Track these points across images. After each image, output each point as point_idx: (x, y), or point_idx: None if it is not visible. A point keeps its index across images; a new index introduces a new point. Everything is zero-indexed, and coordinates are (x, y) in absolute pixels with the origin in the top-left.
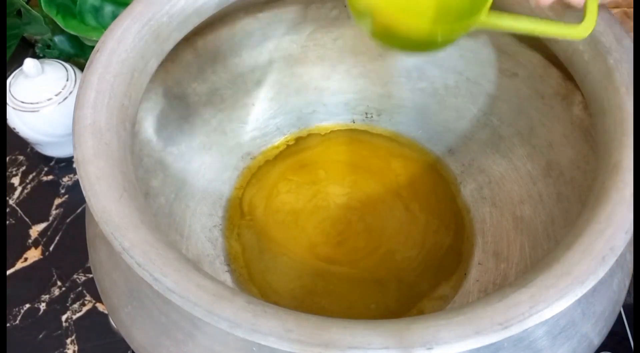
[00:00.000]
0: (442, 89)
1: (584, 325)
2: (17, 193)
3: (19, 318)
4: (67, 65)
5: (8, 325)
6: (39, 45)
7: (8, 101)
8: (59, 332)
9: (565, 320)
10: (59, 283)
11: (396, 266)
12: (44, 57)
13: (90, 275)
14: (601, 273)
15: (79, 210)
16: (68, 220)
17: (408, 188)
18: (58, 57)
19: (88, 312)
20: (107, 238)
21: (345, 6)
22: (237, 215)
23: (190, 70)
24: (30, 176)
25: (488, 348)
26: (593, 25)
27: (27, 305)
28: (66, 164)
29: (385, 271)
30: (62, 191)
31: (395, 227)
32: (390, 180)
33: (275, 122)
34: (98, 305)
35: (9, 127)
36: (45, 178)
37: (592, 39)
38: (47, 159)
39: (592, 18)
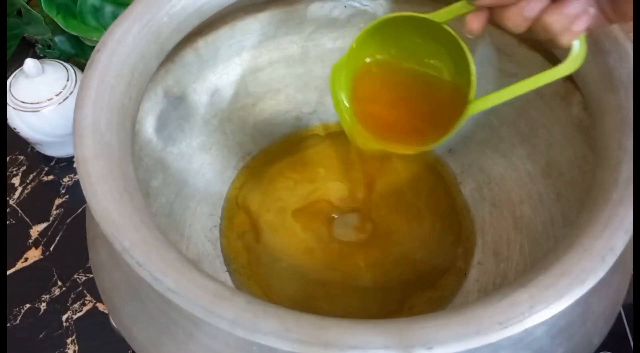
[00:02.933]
0: None
1: (583, 325)
2: (17, 193)
3: (19, 318)
4: (67, 65)
5: (8, 325)
6: (39, 45)
7: (8, 101)
8: (59, 331)
9: (565, 319)
10: (59, 283)
11: (396, 266)
12: (44, 57)
13: (91, 275)
14: (601, 273)
15: (79, 210)
16: (68, 220)
17: (408, 188)
18: (58, 58)
19: (88, 311)
20: (107, 238)
21: (345, 6)
22: (238, 215)
23: (190, 70)
24: (31, 176)
25: (488, 348)
26: (583, 57)
27: (28, 305)
28: (66, 164)
29: (386, 271)
30: (63, 191)
31: (395, 227)
32: (390, 180)
33: (275, 123)
34: (98, 304)
35: (10, 128)
36: (45, 178)
37: (592, 39)
38: (47, 159)
39: (582, 50)
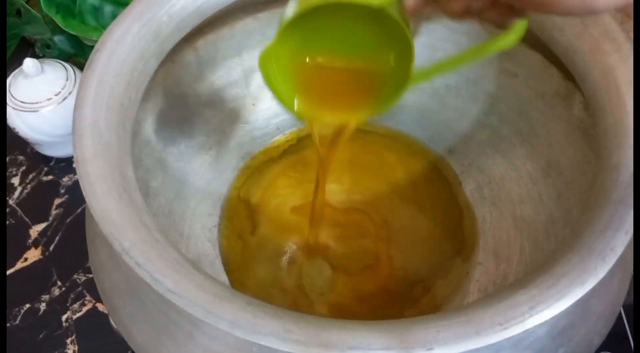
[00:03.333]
0: (443, 89)
1: (584, 325)
2: (17, 193)
3: (19, 318)
4: (66, 65)
5: (8, 325)
6: (39, 45)
7: (8, 101)
8: (59, 332)
9: (566, 320)
10: (59, 283)
11: (396, 267)
12: (43, 57)
13: (90, 275)
14: (601, 273)
15: (79, 210)
16: (68, 220)
17: (408, 188)
18: (58, 57)
19: (88, 312)
20: (107, 238)
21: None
22: (237, 215)
23: (190, 70)
24: (30, 176)
25: (488, 348)
26: (521, 33)
27: (27, 305)
28: (66, 164)
29: (387, 272)
30: (62, 191)
31: (395, 227)
32: (390, 180)
33: (275, 122)
34: (98, 305)
35: (9, 127)
36: (45, 178)
37: (592, 40)
38: (47, 159)
39: (520, 28)
